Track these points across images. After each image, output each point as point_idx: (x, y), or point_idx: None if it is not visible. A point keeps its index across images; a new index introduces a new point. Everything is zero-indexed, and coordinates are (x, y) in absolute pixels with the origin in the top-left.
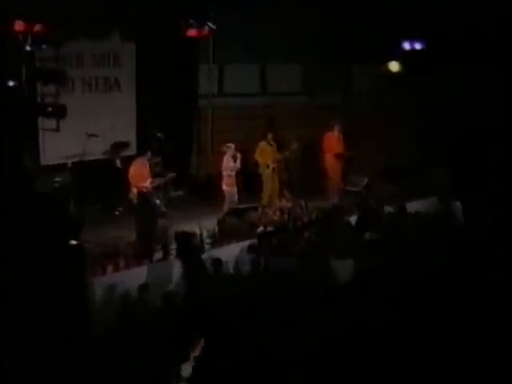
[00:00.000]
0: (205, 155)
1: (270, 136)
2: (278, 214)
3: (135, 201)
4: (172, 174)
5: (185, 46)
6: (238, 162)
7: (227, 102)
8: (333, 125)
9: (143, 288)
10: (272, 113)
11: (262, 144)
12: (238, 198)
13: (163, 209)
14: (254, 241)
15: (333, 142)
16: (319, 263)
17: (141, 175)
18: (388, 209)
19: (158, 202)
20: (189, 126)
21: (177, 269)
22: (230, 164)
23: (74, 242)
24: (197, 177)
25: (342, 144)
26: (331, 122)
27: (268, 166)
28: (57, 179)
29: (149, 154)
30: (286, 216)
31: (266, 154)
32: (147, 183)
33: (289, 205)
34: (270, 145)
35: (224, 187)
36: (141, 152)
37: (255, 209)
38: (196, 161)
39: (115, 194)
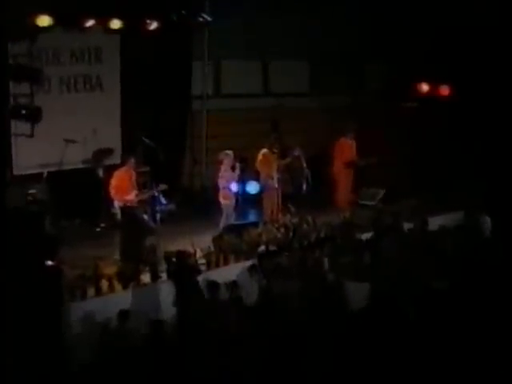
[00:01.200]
0: (199, 164)
1: (273, 142)
2: (281, 230)
3: (119, 216)
4: (162, 186)
5: (177, 39)
6: (237, 172)
7: (224, 104)
8: (345, 130)
9: (127, 315)
10: (275, 116)
11: (265, 151)
12: (237, 213)
13: (151, 225)
14: (255, 261)
15: (345, 148)
16: (328, 287)
17: (125, 187)
18: (408, 226)
19: (145, 217)
20: (181, 131)
21: (167, 293)
22: (227, 174)
23: (49, 263)
24: (190, 189)
25: (355, 151)
26: (343, 126)
27: (271, 177)
28: (30, 191)
29: (134, 161)
30: (291, 233)
31: (268, 163)
32: (133, 196)
33: (294, 220)
34: (274, 152)
35: (221, 200)
36: (125, 160)
37: (256, 225)
38: (189, 170)
39: (96, 209)
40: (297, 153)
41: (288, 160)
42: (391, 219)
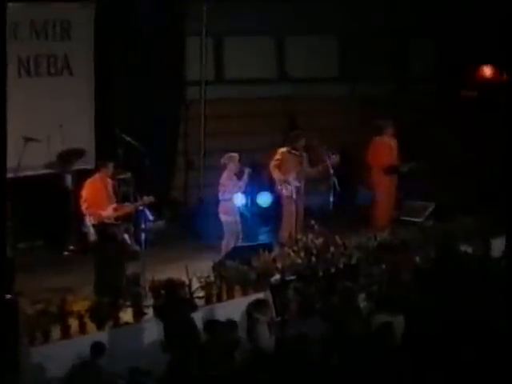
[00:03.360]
0: (195, 170)
1: (300, 142)
2: (301, 254)
3: (92, 236)
4: (148, 198)
5: (166, 9)
6: (245, 179)
7: (228, 92)
8: (383, 126)
9: (100, 363)
10: (294, 108)
11: (283, 151)
12: (244, 232)
13: (134, 247)
14: (267, 294)
15: (383, 150)
16: (360, 326)
17: (101, 199)
18: (464, 249)
19: (126, 237)
20: (172, 127)
21: (153, 335)
22: (230, 183)
23: (3, 296)
24: (183, 201)
25: (397, 153)
26: (380, 122)
27: (289, 184)
28: None
29: (112, 166)
30: (314, 258)
31: (287, 167)
32: (110, 210)
33: (318, 241)
34: (294, 153)
35: (222, 216)
36: (101, 164)
37: (269, 247)
38: (183, 178)
39: (64, 227)
40: (332, 158)
41: (320, 168)
42: (443, 240)
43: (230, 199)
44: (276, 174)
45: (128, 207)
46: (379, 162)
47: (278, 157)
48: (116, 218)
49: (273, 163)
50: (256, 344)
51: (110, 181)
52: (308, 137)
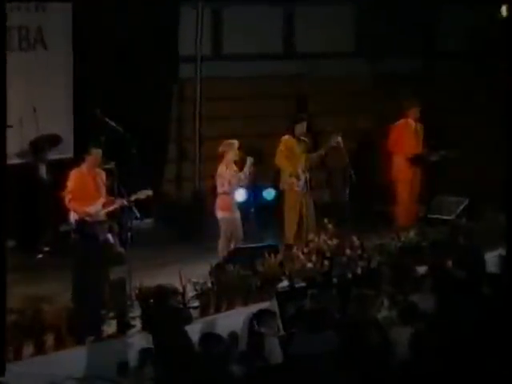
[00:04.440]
0: (189, 160)
1: (300, 127)
2: (313, 258)
3: (73, 235)
4: (145, 192)
5: None
6: (246, 170)
7: (227, 69)
8: (406, 108)
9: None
10: (303, 88)
11: (287, 139)
12: (245, 232)
13: (119, 248)
14: (272, 303)
15: (407, 136)
16: (380, 341)
17: (88, 192)
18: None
19: (109, 237)
20: (163, 110)
21: (142, 351)
22: (228, 174)
23: None
24: (176, 196)
25: (422, 140)
26: (403, 103)
27: (298, 177)
28: None
29: (99, 154)
30: (328, 262)
31: (294, 157)
32: (98, 206)
33: (331, 242)
34: (301, 140)
35: (220, 213)
36: (88, 152)
37: (274, 249)
38: (175, 169)
39: (38, 225)
40: (336, 142)
41: (322, 151)
42: (478, 241)
43: (229, 193)
44: (284, 166)
45: (119, 202)
46: (402, 150)
47: (282, 146)
48: (100, 215)
49: (278, 153)
50: (264, 362)
51: (99, 172)
52: (317, 121)
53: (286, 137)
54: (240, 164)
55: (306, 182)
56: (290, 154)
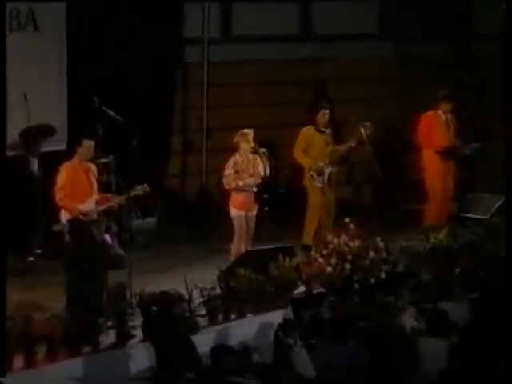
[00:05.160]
0: (195, 152)
1: (321, 116)
2: (332, 261)
3: (66, 236)
4: (142, 187)
5: None
6: (261, 164)
7: (237, 53)
8: (437, 97)
9: None
10: (322, 73)
11: (308, 131)
12: (259, 232)
13: (118, 251)
14: (288, 312)
15: (436, 127)
16: (407, 353)
17: (80, 188)
18: None
19: (107, 238)
20: (166, 99)
21: (143, 363)
22: (243, 168)
23: None
24: (181, 192)
25: (455, 133)
26: (434, 91)
27: (320, 172)
28: None
29: (92, 147)
30: (349, 265)
31: (315, 149)
32: (91, 203)
33: (353, 244)
34: (323, 131)
35: (233, 211)
36: (78, 144)
37: (289, 251)
38: (179, 163)
39: (29, 224)
40: (363, 132)
41: (352, 143)
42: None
43: (243, 188)
44: (303, 160)
45: (115, 199)
46: (432, 143)
47: (301, 138)
48: (96, 214)
49: (297, 146)
50: (295, 375)
51: (91, 166)
52: (336, 109)
53: (307, 127)
54: (253, 156)
55: (329, 177)
56: (311, 147)
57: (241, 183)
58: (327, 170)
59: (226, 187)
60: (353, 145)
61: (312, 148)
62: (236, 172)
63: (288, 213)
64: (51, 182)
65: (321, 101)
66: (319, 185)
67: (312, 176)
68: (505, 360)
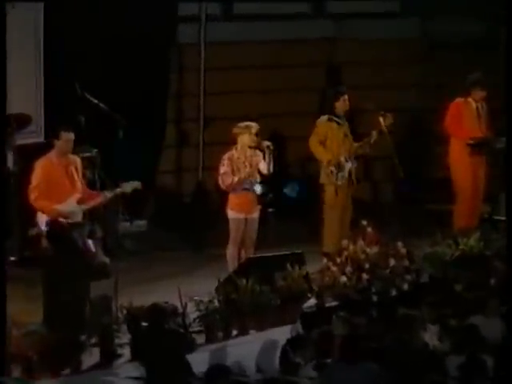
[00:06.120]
0: (191, 146)
1: (342, 103)
2: (347, 269)
3: (44, 242)
4: (131, 184)
5: None
6: (265, 158)
7: (239, 32)
8: (468, 83)
9: None
10: (336, 55)
11: (326, 119)
12: (263, 237)
13: (102, 258)
14: (297, 327)
15: (466, 118)
16: (431, 374)
17: (58, 186)
18: None
19: (90, 243)
20: (158, 85)
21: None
22: (246, 163)
23: None
24: (174, 191)
25: (487, 124)
26: (464, 77)
27: (340, 168)
28: None
29: (71, 138)
30: (366, 275)
31: (334, 142)
32: (73, 203)
33: (371, 251)
34: (336, 122)
35: (231, 213)
36: (56, 136)
37: (298, 259)
38: (173, 157)
39: (3, 228)
40: (382, 123)
41: (375, 135)
42: None
43: (244, 187)
44: (321, 154)
45: (101, 198)
46: (461, 134)
47: (319, 128)
48: (78, 215)
49: (313, 138)
50: None
51: (73, 159)
52: (351, 96)
53: (325, 117)
54: (256, 151)
55: (350, 173)
56: (329, 139)
57: (236, 180)
58: (348, 166)
59: (223, 187)
60: (376, 137)
61: (330, 140)
62: (232, 170)
63: (299, 215)
64: (26, 177)
65: (340, 85)
66: (339, 182)
67: (331, 172)
68: None
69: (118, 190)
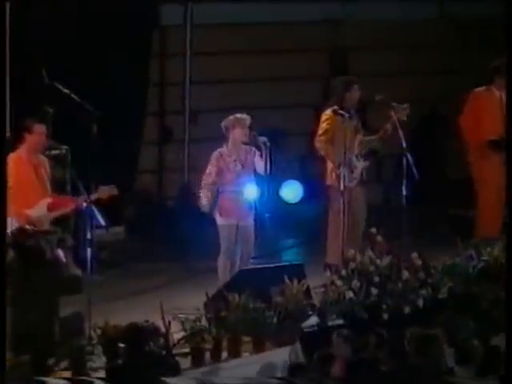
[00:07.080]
0: (175, 142)
1: (353, 94)
2: (354, 283)
3: (9, 252)
4: (108, 188)
5: None
6: (261, 159)
7: (230, 13)
8: (491, 70)
9: None
10: (343, 40)
11: (330, 115)
12: (258, 246)
13: (74, 270)
14: (296, 349)
15: (489, 109)
16: None
17: (27, 188)
18: None
19: (60, 253)
20: (137, 72)
21: None
22: (238, 162)
23: None
24: (156, 194)
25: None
26: (486, 62)
27: (351, 167)
28: None
29: (43, 133)
30: (375, 289)
31: (343, 138)
32: (43, 207)
33: (381, 262)
34: (344, 116)
35: (220, 219)
36: (21, 132)
37: (299, 272)
38: (155, 155)
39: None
40: (394, 117)
41: (388, 128)
42: None
43: (235, 190)
44: (330, 152)
45: (74, 204)
46: (484, 129)
47: (325, 124)
48: (48, 221)
49: (320, 135)
50: None
51: (43, 159)
52: (363, 86)
53: (332, 109)
54: (249, 148)
55: (361, 173)
56: (338, 135)
57: (210, 181)
58: (360, 165)
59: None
60: (389, 131)
61: (339, 137)
62: (220, 170)
63: (299, 221)
64: None
65: (348, 76)
66: (350, 184)
67: (343, 174)
68: None
69: (94, 196)
